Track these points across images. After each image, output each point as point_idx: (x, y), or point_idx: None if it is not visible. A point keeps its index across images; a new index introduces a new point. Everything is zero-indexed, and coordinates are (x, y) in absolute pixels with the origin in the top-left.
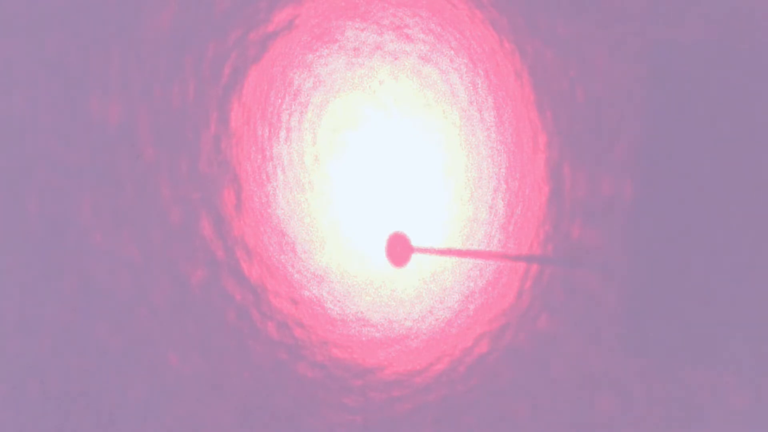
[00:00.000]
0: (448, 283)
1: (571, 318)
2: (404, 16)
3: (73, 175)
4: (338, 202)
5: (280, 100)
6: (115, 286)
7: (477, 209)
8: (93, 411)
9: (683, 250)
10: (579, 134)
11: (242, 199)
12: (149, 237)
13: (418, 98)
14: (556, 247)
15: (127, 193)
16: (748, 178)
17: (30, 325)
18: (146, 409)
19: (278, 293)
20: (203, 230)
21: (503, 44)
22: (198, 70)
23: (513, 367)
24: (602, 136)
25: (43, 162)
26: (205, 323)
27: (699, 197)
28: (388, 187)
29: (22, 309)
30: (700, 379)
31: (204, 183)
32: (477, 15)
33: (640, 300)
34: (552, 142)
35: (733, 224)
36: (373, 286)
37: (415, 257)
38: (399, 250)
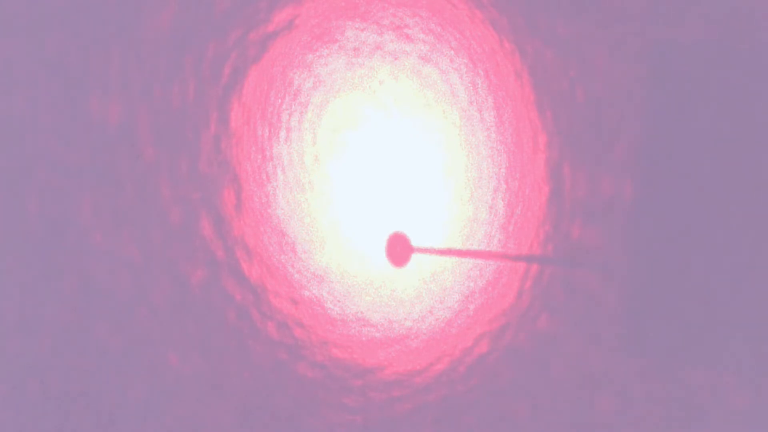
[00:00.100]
0: (448, 283)
1: (571, 318)
2: (404, 16)
3: (73, 175)
4: (338, 202)
5: (280, 100)
6: (115, 286)
7: (477, 209)
8: (93, 411)
9: (683, 250)
10: (579, 134)
11: (242, 199)
12: (149, 237)
13: (418, 98)
14: (556, 247)
15: (127, 193)
16: (748, 178)
17: (30, 325)
18: (146, 409)
19: (278, 293)
20: (203, 230)
21: (503, 44)
22: (198, 70)
23: (513, 367)
24: (602, 136)
25: (43, 162)
26: (205, 323)
27: (699, 197)
28: (388, 187)
29: (22, 309)
30: (700, 379)
31: (204, 183)
32: (477, 15)
33: (640, 300)
34: (552, 142)
35: (733, 224)
36: (373, 286)
37: (415, 257)
38: (399, 250)
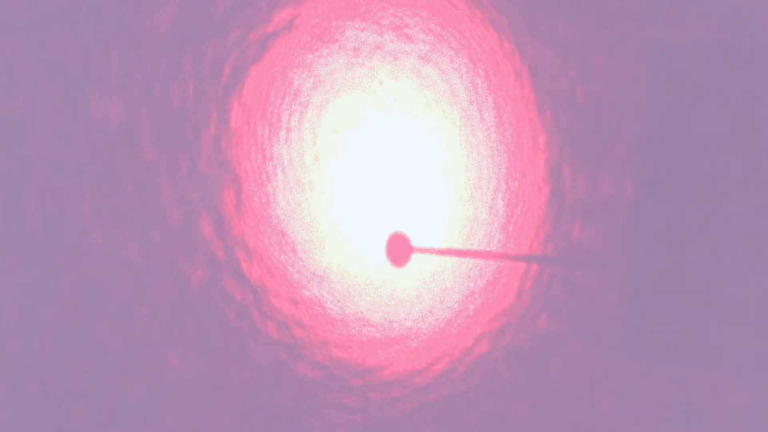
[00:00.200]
0: (448, 283)
1: (571, 318)
2: (404, 16)
3: (73, 175)
4: (338, 202)
5: (280, 100)
6: (115, 286)
7: (477, 209)
8: (93, 411)
9: (683, 250)
10: (579, 134)
11: (242, 199)
12: (149, 237)
13: (418, 98)
14: (556, 247)
15: (127, 193)
16: (748, 178)
17: (30, 325)
18: (146, 409)
19: (278, 293)
20: (203, 230)
21: (503, 44)
22: (198, 70)
23: (513, 367)
24: (602, 136)
25: (43, 162)
26: (205, 323)
27: (699, 197)
28: (388, 187)
29: (22, 309)
30: (700, 379)
31: (204, 183)
32: (477, 15)
33: (640, 300)
34: (552, 142)
35: (733, 224)
36: (373, 286)
37: (415, 257)
38: (399, 250)
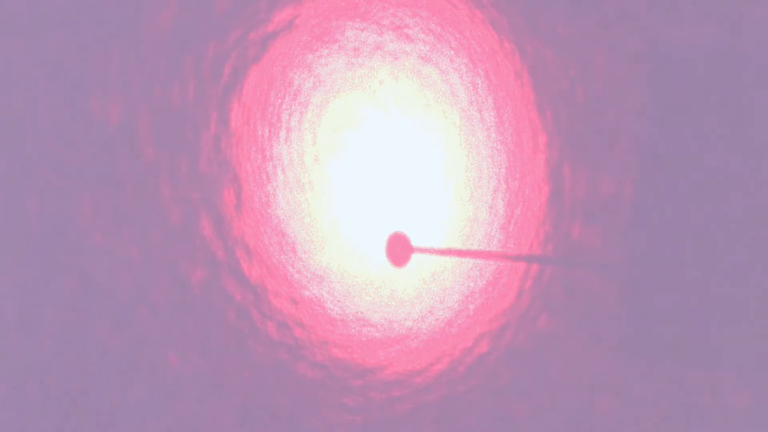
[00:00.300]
0: (448, 283)
1: (571, 318)
2: (404, 16)
3: (73, 175)
4: (338, 202)
5: (280, 100)
6: (115, 286)
7: (477, 209)
8: (93, 411)
9: (683, 250)
10: (579, 134)
11: (242, 199)
12: (149, 237)
13: (418, 98)
14: (556, 247)
15: (127, 193)
16: (748, 178)
17: (30, 325)
18: (146, 409)
19: (278, 293)
20: (203, 230)
21: (503, 44)
22: (198, 70)
23: (513, 367)
24: (602, 136)
25: (43, 162)
26: (205, 323)
27: (699, 197)
28: (388, 187)
29: (22, 309)
30: (700, 379)
31: (204, 183)
32: (477, 15)
33: (640, 300)
34: (552, 142)
35: (733, 224)
36: (373, 286)
37: (415, 257)
38: (399, 250)
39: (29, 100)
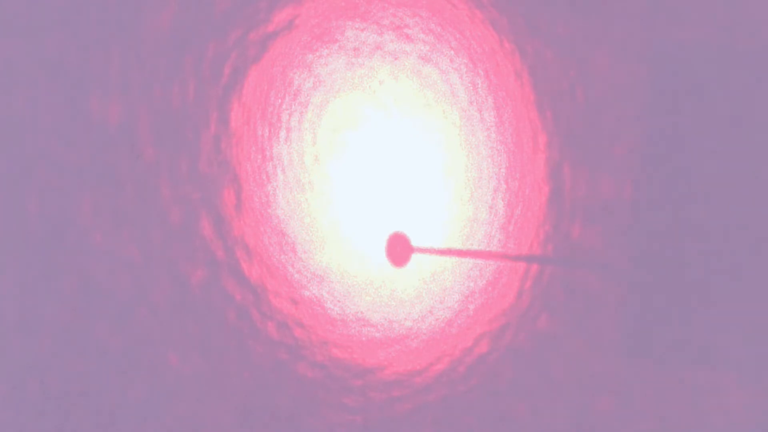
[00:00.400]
0: (448, 283)
1: (571, 318)
2: (404, 16)
3: (73, 175)
4: (338, 202)
5: (280, 100)
6: (115, 286)
7: (477, 209)
8: (93, 411)
9: (683, 250)
10: (579, 134)
11: (242, 199)
12: (149, 237)
13: (418, 98)
14: (556, 247)
15: (127, 193)
16: (748, 178)
17: (30, 325)
18: (146, 409)
19: (278, 293)
20: (203, 230)
21: (503, 44)
22: (198, 70)
23: (513, 367)
24: (602, 136)
25: (43, 162)
26: (205, 323)
27: (699, 197)
28: (388, 187)
29: (22, 309)
30: (700, 379)
31: (204, 183)
32: (477, 15)
33: (640, 300)
34: (552, 142)
35: (733, 224)
36: (373, 286)
37: (415, 257)
38: (399, 250)
39: (29, 100)
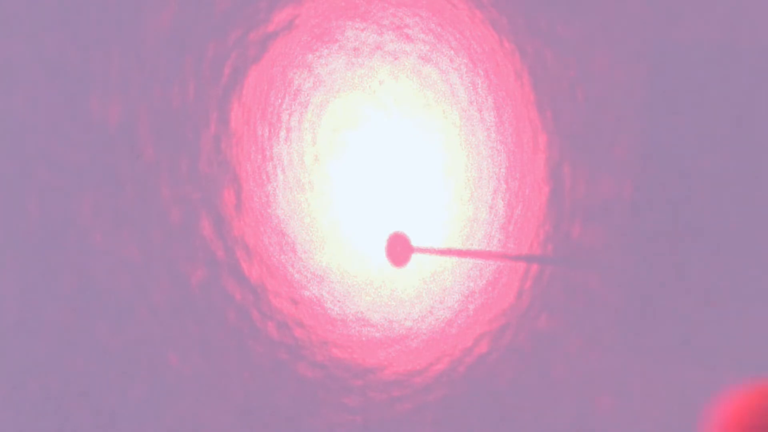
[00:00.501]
0: (448, 283)
1: (571, 318)
2: (404, 16)
3: (73, 175)
4: (338, 202)
5: (280, 100)
6: (115, 286)
7: (477, 209)
8: (93, 411)
9: (683, 250)
10: (579, 134)
11: (242, 199)
12: (149, 237)
13: (418, 98)
14: (556, 247)
15: (127, 193)
16: (748, 178)
17: (30, 325)
18: (146, 409)
19: (278, 293)
20: (203, 230)
21: (503, 44)
22: (198, 70)
23: (513, 367)
24: (602, 136)
25: (43, 162)
26: (205, 323)
27: (699, 197)
28: (388, 187)
29: (22, 309)
30: (700, 379)
31: (204, 183)
32: (477, 15)
33: (640, 300)
34: (552, 142)
35: (733, 224)
36: (373, 286)
37: (415, 257)
38: (399, 250)
39: (29, 100)
